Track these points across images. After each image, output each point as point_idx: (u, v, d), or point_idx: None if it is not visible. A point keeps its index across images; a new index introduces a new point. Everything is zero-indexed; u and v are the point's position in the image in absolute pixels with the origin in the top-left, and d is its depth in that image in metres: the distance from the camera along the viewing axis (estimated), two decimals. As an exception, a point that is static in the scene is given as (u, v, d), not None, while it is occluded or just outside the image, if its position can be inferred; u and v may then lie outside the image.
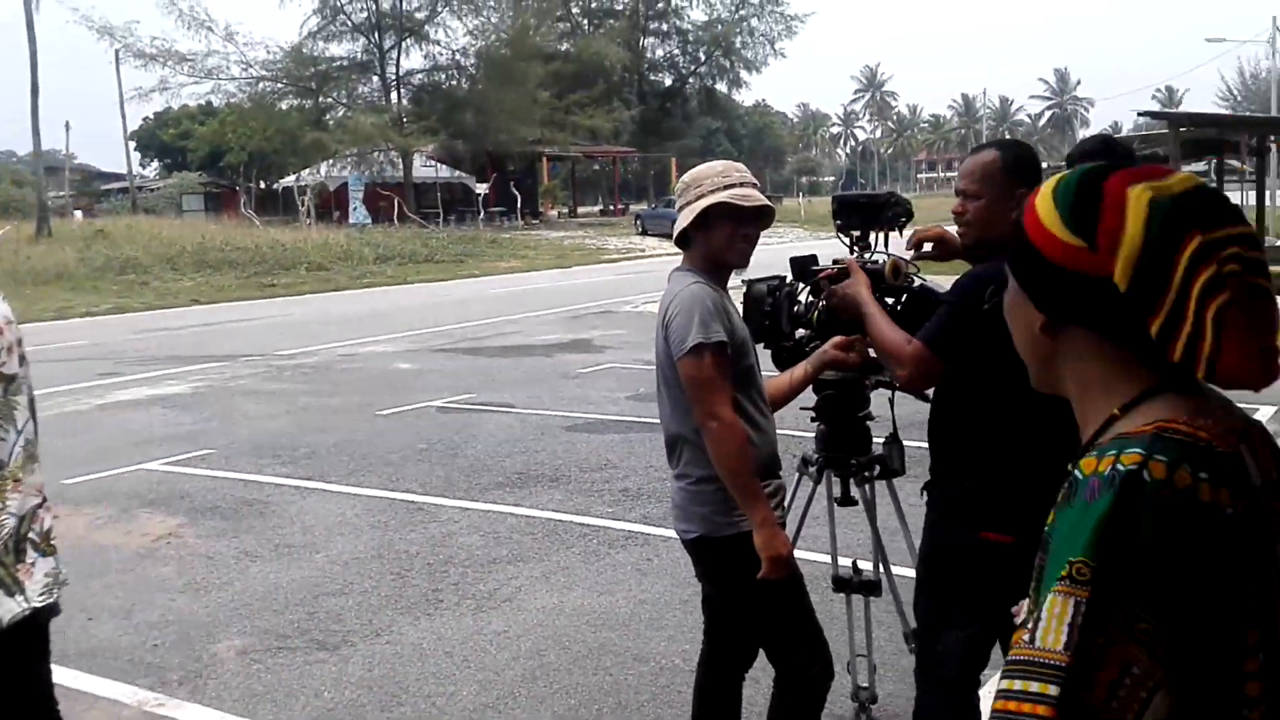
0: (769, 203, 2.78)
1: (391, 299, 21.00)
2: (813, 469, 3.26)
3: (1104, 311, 1.10)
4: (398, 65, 43.52)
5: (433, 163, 45.16)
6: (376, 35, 42.76)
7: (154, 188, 58.64)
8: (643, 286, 20.56)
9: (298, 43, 42.14)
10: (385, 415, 9.08)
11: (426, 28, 43.39)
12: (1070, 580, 1.00)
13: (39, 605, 2.41)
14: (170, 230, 32.00)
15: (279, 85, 42.19)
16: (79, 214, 45.25)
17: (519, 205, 44.46)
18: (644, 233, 39.05)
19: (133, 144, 58.20)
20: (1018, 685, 1.00)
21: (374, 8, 42.49)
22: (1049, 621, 1.00)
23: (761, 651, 2.97)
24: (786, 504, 2.97)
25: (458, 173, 45.71)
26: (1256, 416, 3.41)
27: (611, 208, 55.08)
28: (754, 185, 2.76)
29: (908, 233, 3.06)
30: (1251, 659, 1.03)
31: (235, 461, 7.58)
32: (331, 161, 42.17)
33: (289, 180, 46.00)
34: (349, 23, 42.82)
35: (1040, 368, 1.21)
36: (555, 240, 36.68)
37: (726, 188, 2.70)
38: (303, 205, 38.94)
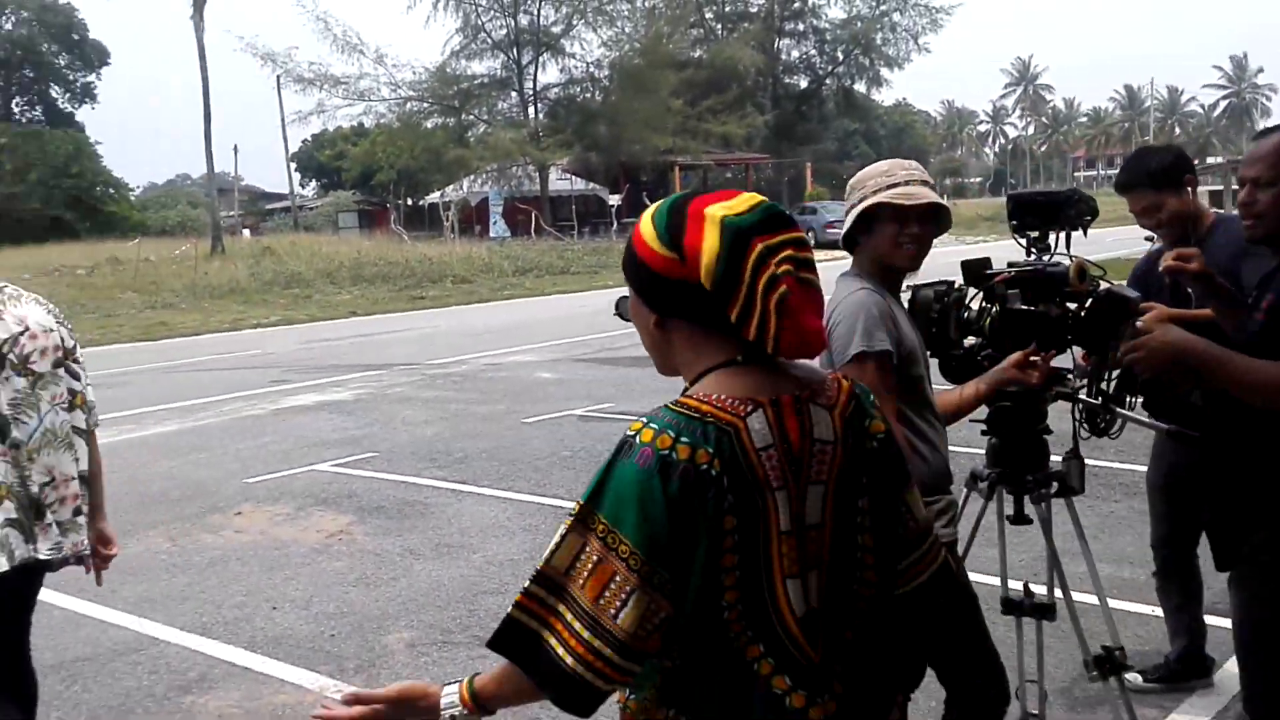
0: (938, 200, 2.59)
1: (530, 310, 21.48)
2: (983, 485, 3.05)
3: (696, 307, 1.40)
4: (535, 80, 44.32)
5: (568, 175, 45.87)
6: (515, 51, 43.61)
7: (313, 206, 61.20)
8: (776, 293, 20.55)
9: (441, 62, 43.32)
10: (530, 423, 9.38)
11: (562, 41, 44.05)
12: (570, 515, 1.37)
13: (44, 558, 3.02)
14: (329, 246, 33.37)
15: (425, 104, 43.44)
16: (247, 232, 47.64)
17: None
18: (777, 240, 38.72)
19: (293, 165, 60.88)
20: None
21: (512, 24, 43.32)
22: (552, 543, 1.38)
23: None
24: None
25: (591, 184, 46.34)
26: None
27: (744, 215, 54.87)
28: (923, 183, 2.59)
29: (1100, 233, 2.83)
30: (729, 575, 1.36)
31: (396, 464, 7.97)
32: (473, 177, 43.19)
33: (434, 196, 47.36)
34: (489, 40, 43.79)
35: (660, 358, 1.52)
36: (688, 248, 36.74)
37: (889, 187, 2.56)
38: (447, 220, 40.11)
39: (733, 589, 1.36)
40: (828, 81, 57.59)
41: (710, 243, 1.36)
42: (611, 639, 1.33)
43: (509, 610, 1.40)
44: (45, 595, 5.19)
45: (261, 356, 15.13)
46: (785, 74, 57.24)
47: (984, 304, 2.88)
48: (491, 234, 41.34)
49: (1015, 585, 3.27)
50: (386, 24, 54.60)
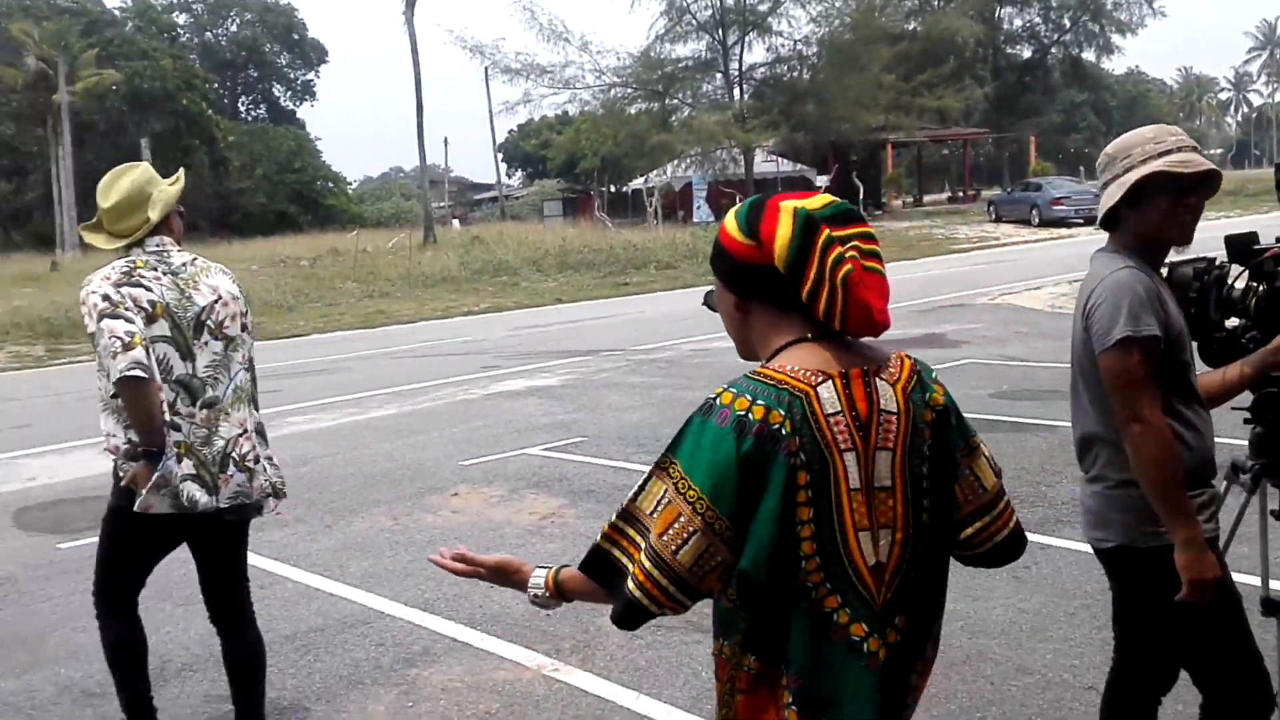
0: (1214, 166, 2.47)
1: (739, 294, 21.53)
2: (1245, 477, 2.88)
3: (772, 289, 1.60)
4: (740, 61, 44.13)
5: (774, 157, 45.55)
6: (720, 32, 43.58)
7: (519, 195, 63.34)
8: (1000, 277, 19.87)
9: (646, 47, 43.78)
10: (740, 408, 9.42)
11: (769, 19, 43.70)
12: (653, 463, 1.61)
13: (224, 506, 3.36)
14: (534, 235, 34.45)
15: (629, 90, 44.00)
16: (456, 222, 49.72)
17: (861, 196, 43.99)
18: (998, 219, 37.37)
19: (500, 155, 63.11)
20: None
21: (718, 5, 43.26)
22: (636, 484, 1.64)
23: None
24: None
25: (798, 165, 45.84)
26: None
27: (961, 194, 53.22)
28: (1193, 148, 2.48)
29: None
30: (805, 527, 1.54)
31: (605, 448, 8.15)
32: (676, 162, 43.49)
33: (638, 182, 48.03)
34: (694, 22, 43.87)
35: (740, 339, 1.73)
36: (900, 231, 35.91)
37: (1161, 155, 2.45)
38: (650, 206, 40.58)
39: (809, 540, 1.55)
40: (1053, 50, 55.06)
41: (784, 230, 1.56)
42: (670, 572, 1.56)
43: (597, 539, 1.67)
44: (280, 569, 5.62)
45: (472, 343, 15.75)
46: (1007, 44, 55.07)
47: (1250, 282, 2.73)
48: (695, 219, 41.54)
49: (1278, 585, 3.06)
50: (591, 10, 55.63)
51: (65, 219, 45.20)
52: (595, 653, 4.45)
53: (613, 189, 56.06)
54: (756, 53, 46.03)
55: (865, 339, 1.63)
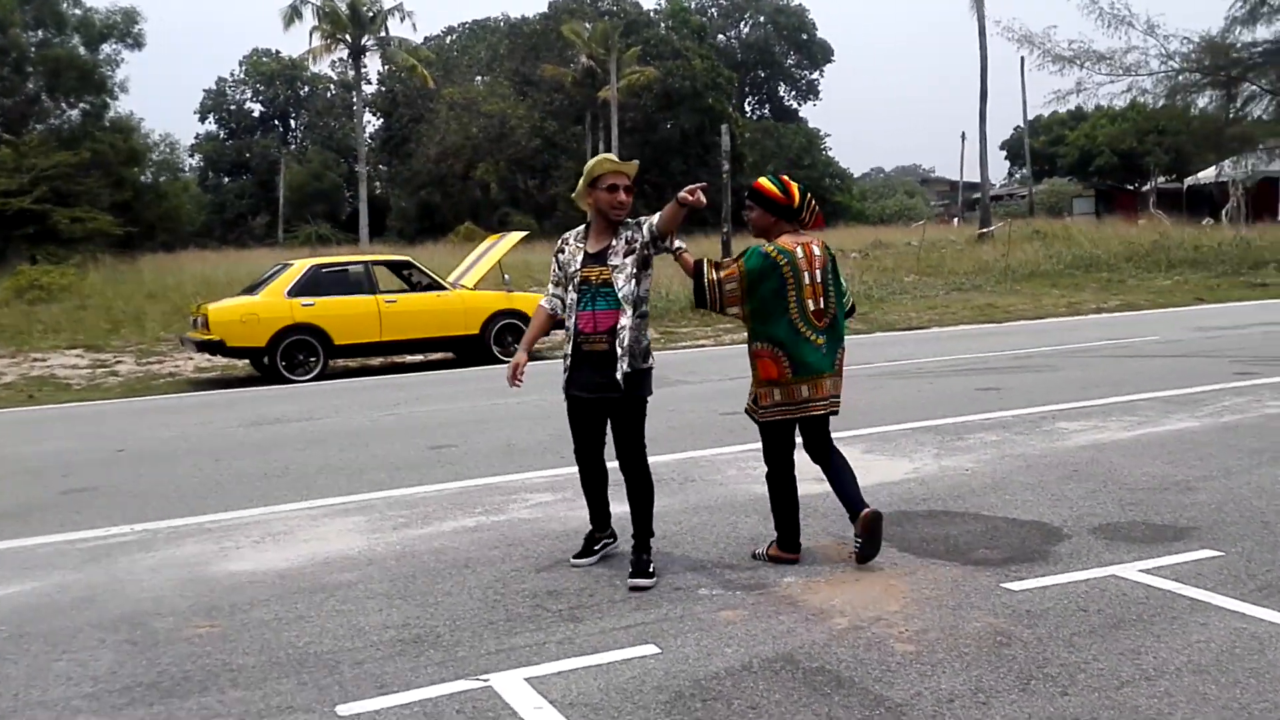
0: None
1: None
2: None
3: (786, 214, 5.02)
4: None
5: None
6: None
7: (1020, 195, 59.74)
8: None
9: (1221, 30, 38.94)
10: None
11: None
12: (734, 261, 5.03)
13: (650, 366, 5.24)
14: (1090, 231, 31.41)
15: (1196, 77, 39.28)
16: (956, 221, 47.22)
17: None
18: None
19: (1004, 153, 59.69)
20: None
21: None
22: (727, 261, 5.07)
23: None
24: None
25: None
26: None
27: None
28: None
29: None
30: (791, 299, 4.91)
31: None
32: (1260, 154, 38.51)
33: (1207, 174, 43.25)
34: (1271, 4, 38.42)
35: (762, 233, 5.05)
36: None
37: None
38: (1234, 201, 36.00)
39: (793, 301, 4.86)
40: None
41: (795, 191, 4.99)
42: (721, 287, 4.92)
43: (704, 263, 5.00)
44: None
45: (1165, 345, 13.50)
46: None
47: None
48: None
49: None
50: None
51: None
52: None
53: (1160, 183, 50.96)
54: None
55: (814, 231, 5.04)
